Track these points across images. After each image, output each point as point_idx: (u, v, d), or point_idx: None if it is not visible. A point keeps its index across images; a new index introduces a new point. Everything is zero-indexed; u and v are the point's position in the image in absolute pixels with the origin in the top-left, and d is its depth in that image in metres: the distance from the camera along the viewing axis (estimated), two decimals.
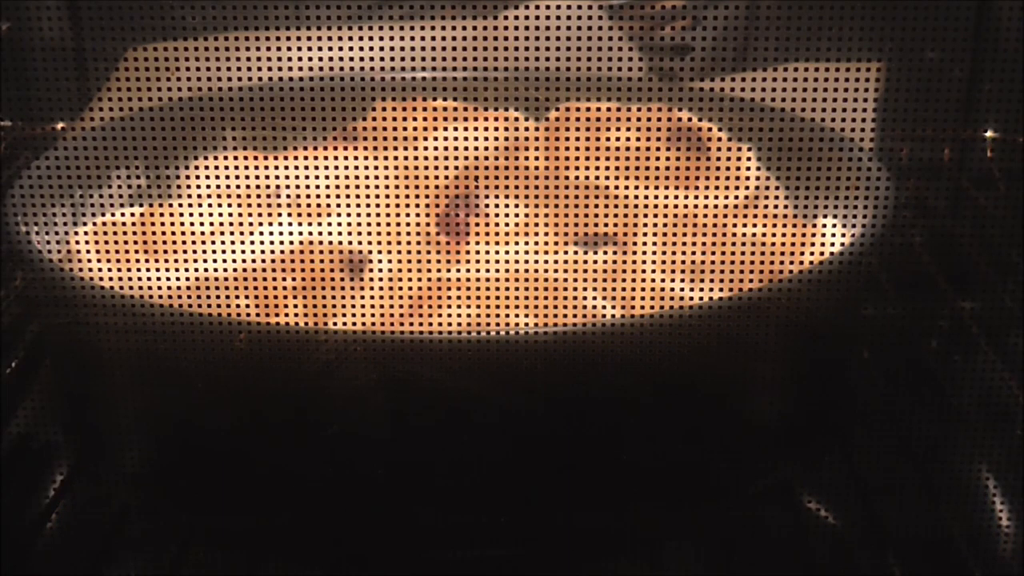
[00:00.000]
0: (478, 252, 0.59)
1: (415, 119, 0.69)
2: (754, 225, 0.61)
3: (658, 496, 0.56)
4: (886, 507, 0.59)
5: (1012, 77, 0.74)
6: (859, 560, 0.59)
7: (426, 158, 0.61)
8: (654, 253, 0.57)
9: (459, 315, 0.54)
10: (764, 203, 0.65)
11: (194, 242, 0.58)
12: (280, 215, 0.60)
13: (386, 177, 0.59)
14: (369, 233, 0.56)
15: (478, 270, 0.57)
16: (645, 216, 0.59)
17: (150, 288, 0.55)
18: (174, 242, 0.57)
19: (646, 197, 0.62)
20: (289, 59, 0.74)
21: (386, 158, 0.63)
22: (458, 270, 0.58)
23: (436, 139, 0.64)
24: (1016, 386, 0.65)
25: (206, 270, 0.56)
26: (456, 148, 0.59)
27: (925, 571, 0.57)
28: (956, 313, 0.74)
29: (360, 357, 0.50)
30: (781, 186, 0.66)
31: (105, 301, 0.53)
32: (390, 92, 0.72)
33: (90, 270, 0.57)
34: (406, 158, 0.62)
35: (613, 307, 0.56)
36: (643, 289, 0.56)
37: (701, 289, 0.56)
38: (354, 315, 0.55)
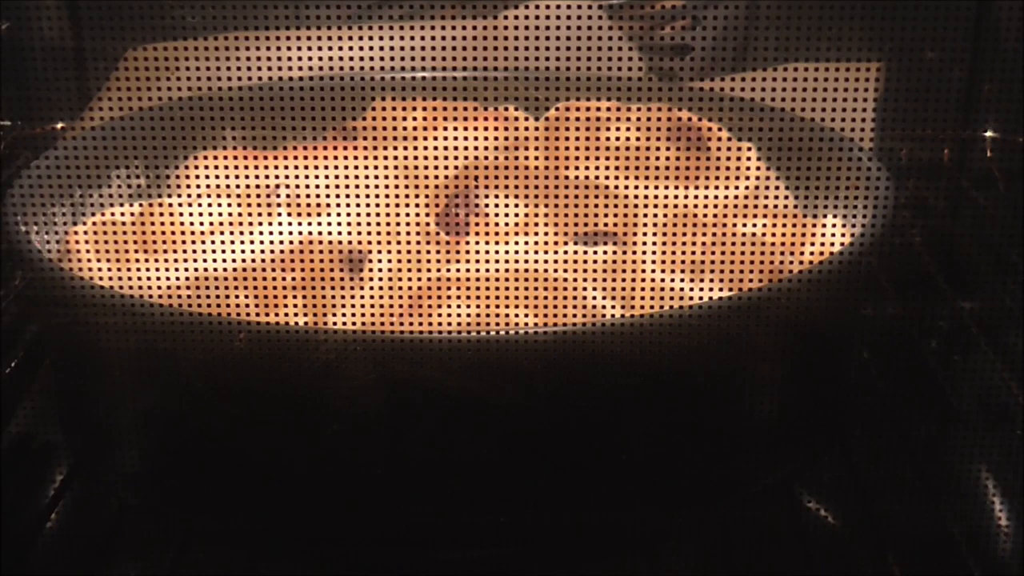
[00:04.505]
0: (478, 250, 0.59)
1: (414, 117, 0.69)
2: (754, 223, 0.61)
3: (658, 496, 0.56)
4: (886, 507, 0.59)
5: (1012, 77, 0.74)
6: (859, 560, 0.59)
7: (425, 156, 0.61)
8: (654, 251, 0.57)
9: (459, 313, 0.54)
10: (765, 200, 0.65)
11: (193, 240, 0.58)
12: (279, 213, 0.60)
13: (385, 175, 0.59)
14: (368, 231, 0.56)
15: (478, 268, 0.57)
16: (645, 214, 0.59)
17: (149, 287, 0.55)
18: (172, 240, 0.57)
19: (646, 195, 0.62)
20: (289, 59, 0.74)
21: (385, 156, 0.63)
22: (458, 268, 0.58)
23: (435, 137, 0.64)
24: (1016, 386, 0.65)
25: (205, 268, 0.56)
26: (456, 146, 0.59)
27: (924, 571, 0.57)
28: (956, 313, 0.74)
29: (360, 356, 0.50)
30: (781, 185, 0.66)
31: (104, 300, 0.53)
32: (390, 92, 0.72)
33: (89, 269, 0.57)
34: (405, 156, 0.62)
35: (614, 305, 0.56)
36: (644, 287, 0.56)
37: (701, 288, 0.56)
38: (353, 313, 0.55)
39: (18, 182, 0.61)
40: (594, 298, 0.56)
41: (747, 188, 0.65)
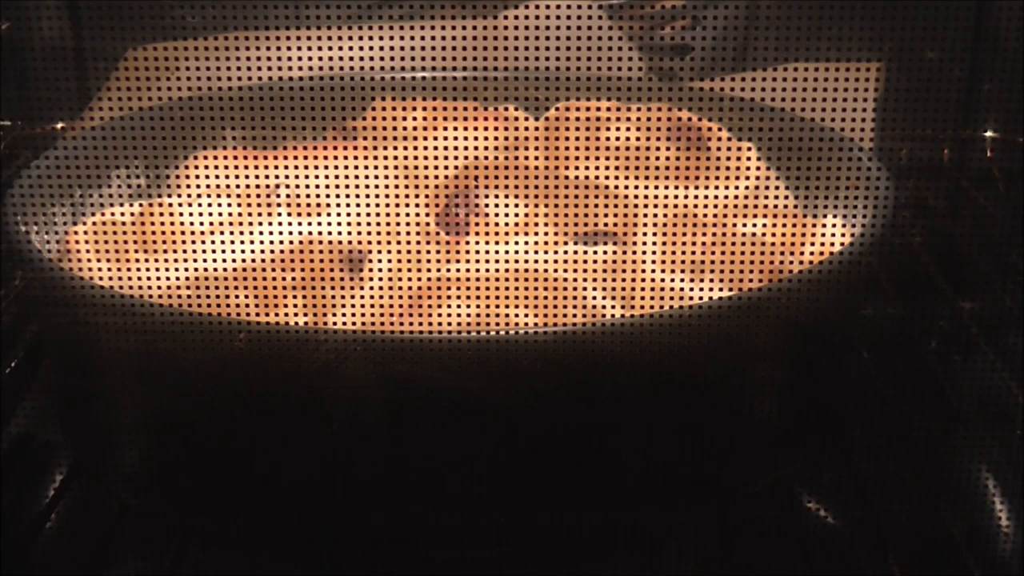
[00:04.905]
0: (478, 250, 0.59)
1: (414, 117, 0.69)
2: (754, 223, 0.61)
3: (658, 496, 0.56)
4: (886, 507, 0.59)
5: (1012, 77, 0.74)
6: (858, 560, 0.59)
7: (425, 156, 0.61)
8: (654, 251, 0.57)
9: (459, 313, 0.54)
10: (765, 200, 0.65)
11: (193, 240, 0.58)
12: (279, 213, 0.60)
13: (385, 175, 0.59)
14: (368, 231, 0.56)
15: (478, 268, 0.57)
16: (645, 213, 0.59)
17: (149, 287, 0.55)
18: (172, 240, 0.57)
19: (646, 195, 0.62)
20: (289, 59, 0.74)
21: (385, 156, 0.63)
22: (458, 268, 0.58)
23: (435, 137, 0.64)
24: (1016, 386, 0.65)
25: (205, 268, 0.56)
26: (456, 146, 0.59)
27: (924, 571, 0.57)
28: (956, 313, 0.74)
29: (360, 356, 0.50)
30: (781, 185, 0.66)
31: (104, 300, 0.53)
32: (390, 92, 0.72)
33: (88, 269, 0.57)
34: (405, 156, 0.62)
35: (614, 305, 0.56)
36: (644, 287, 0.56)
37: (701, 288, 0.56)
38: (353, 313, 0.55)
39: (18, 182, 0.61)
40: (594, 298, 0.56)
41: (747, 188, 0.65)
